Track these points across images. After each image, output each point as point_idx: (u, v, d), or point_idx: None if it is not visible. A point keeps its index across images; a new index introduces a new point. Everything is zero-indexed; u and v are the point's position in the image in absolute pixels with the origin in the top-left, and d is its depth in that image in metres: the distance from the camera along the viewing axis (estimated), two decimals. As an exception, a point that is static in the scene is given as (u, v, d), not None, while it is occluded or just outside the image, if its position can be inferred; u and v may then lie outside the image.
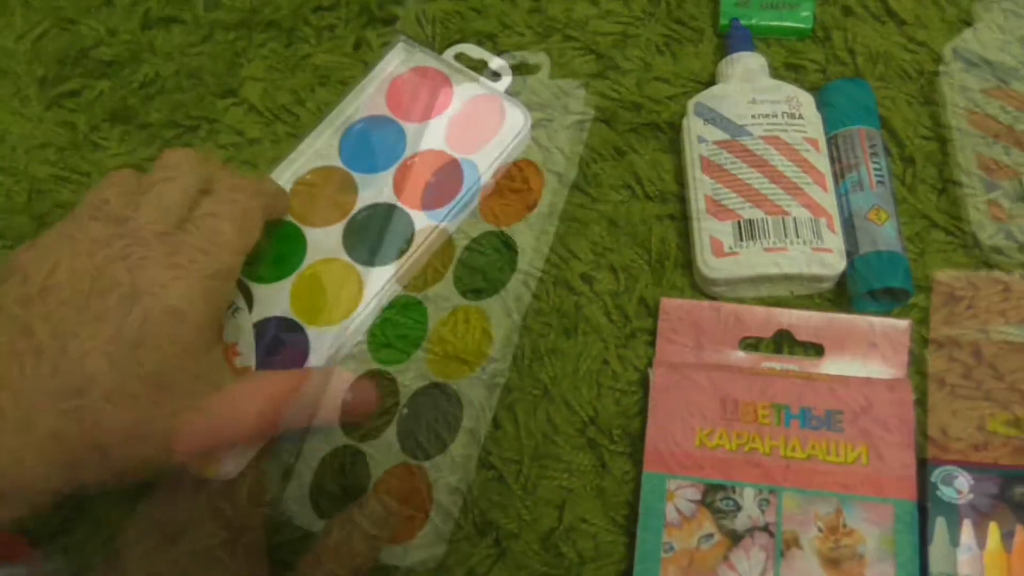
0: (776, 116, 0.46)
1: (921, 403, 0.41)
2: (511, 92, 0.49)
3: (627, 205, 0.48)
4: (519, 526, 0.41)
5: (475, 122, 0.48)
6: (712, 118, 0.46)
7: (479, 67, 0.51)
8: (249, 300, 0.44)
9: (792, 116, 0.46)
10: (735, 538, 0.39)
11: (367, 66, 0.53)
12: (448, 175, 0.47)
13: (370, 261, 0.45)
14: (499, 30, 0.53)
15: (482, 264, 0.45)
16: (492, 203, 0.46)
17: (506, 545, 0.41)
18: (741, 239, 0.43)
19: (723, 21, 0.51)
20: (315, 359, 0.43)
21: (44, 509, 0.34)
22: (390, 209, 0.46)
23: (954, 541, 0.37)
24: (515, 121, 0.47)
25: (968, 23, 0.48)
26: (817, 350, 0.43)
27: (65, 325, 0.34)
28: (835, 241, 0.43)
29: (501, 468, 0.42)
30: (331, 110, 0.50)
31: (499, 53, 0.51)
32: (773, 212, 0.43)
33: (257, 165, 0.51)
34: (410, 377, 0.44)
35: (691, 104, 0.47)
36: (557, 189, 0.45)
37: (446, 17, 0.54)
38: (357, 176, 0.48)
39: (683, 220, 0.46)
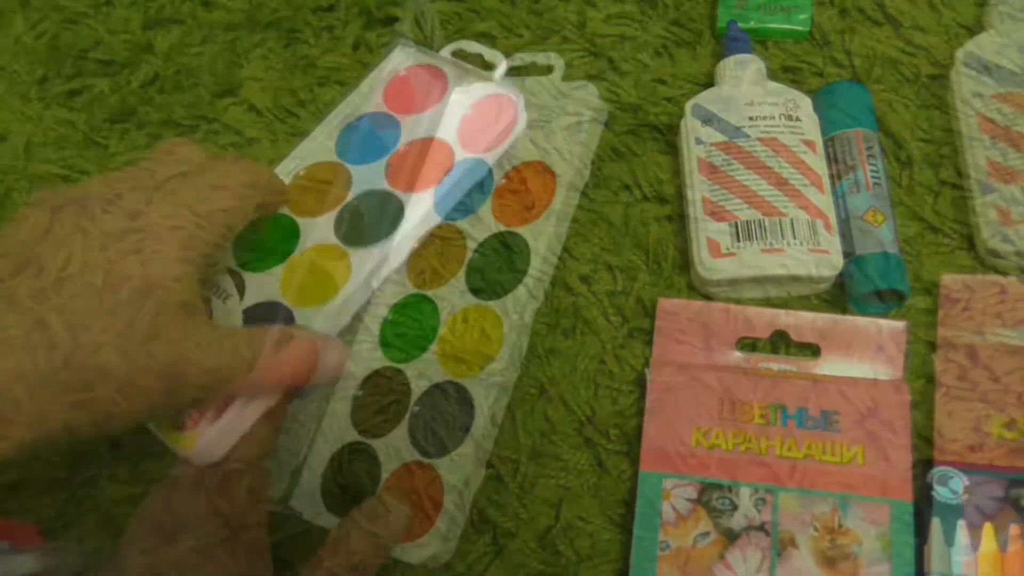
0: (774, 118, 0.46)
1: (917, 404, 0.41)
2: (520, 92, 0.49)
3: (625, 206, 0.48)
4: (516, 524, 0.41)
5: (472, 113, 0.48)
6: (710, 120, 0.46)
7: (479, 65, 0.51)
8: (241, 288, 0.44)
9: (790, 118, 0.46)
10: (731, 537, 0.39)
11: (366, 67, 0.53)
12: (439, 158, 0.47)
13: (359, 243, 0.45)
14: (498, 31, 0.53)
15: (493, 265, 0.45)
16: (504, 205, 0.46)
17: (503, 543, 0.41)
18: (739, 240, 0.43)
19: (721, 23, 0.51)
20: None
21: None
22: (381, 194, 0.46)
23: (950, 541, 0.38)
24: (509, 111, 0.48)
25: (965, 27, 0.48)
26: (814, 350, 0.43)
27: (78, 318, 0.34)
28: (832, 242, 0.43)
29: (499, 467, 0.43)
30: (331, 111, 0.50)
31: (509, 55, 0.51)
32: (770, 213, 0.43)
33: (256, 165, 0.51)
34: (421, 376, 0.44)
35: (689, 106, 0.47)
36: (569, 190, 0.45)
37: (445, 19, 0.54)
38: (352, 168, 0.48)
39: (681, 221, 0.47)
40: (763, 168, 0.44)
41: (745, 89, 0.47)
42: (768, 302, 0.44)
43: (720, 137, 0.46)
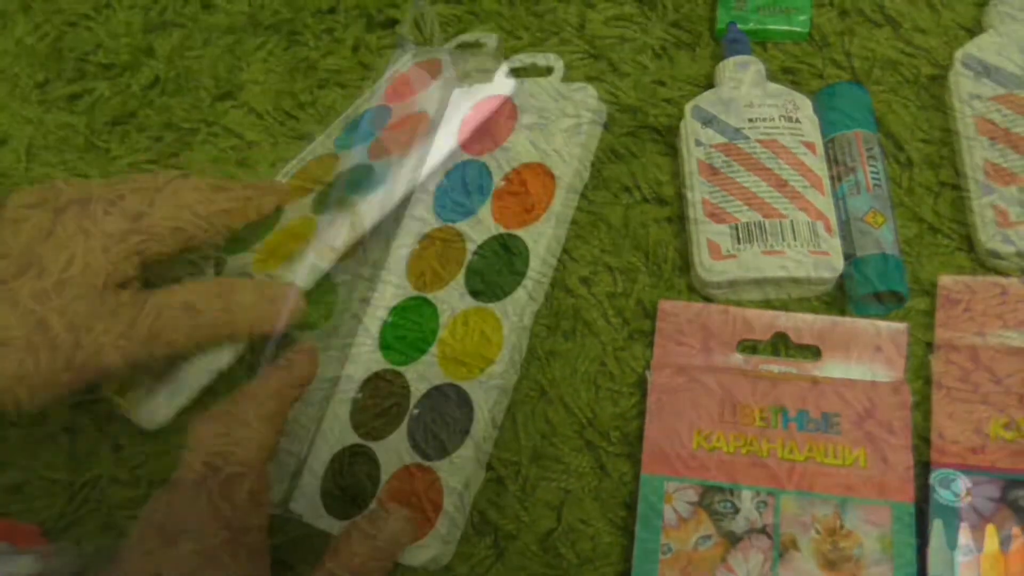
0: (773, 120, 0.46)
1: (918, 406, 0.41)
2: (519, 94, 0.49)
3: (625, 208, 0.48)
4: (517, 527, 0.41)
5: (471, 115, 0.49)
6: (710, 122, 0.46)
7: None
8: (220, 267, 0.45)
9: (789, 120, 0.46)
10: (733, 540, 0.39)
11: (367, 68, 0.53)
12: (417, 127, 0.47)
13: (326, 209, 0.46)
14: (498, 33, 0.53)
15: (493, 267, 0.45)
16: (503, 206, 0.46)
17: (504, 546, 0.41)
18: (739, 242, 0.43)
19: (720, 25, 0.51)
20: None
21: None
22: (360, 168, 0.47)
23: (952, 544, 0.37)
24: (508, 113, 0.48)
25: (965, 27, 0.48)
26: (814, 352, 0.43)
27: (80, 319, 0.34)
28: (832, 244, 0.43)
29: (500, 469, 0.43)
30: (338, 116, 0.51)
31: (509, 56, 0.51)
32: (771, 215, 0.43)
33: (256, 167, 0.51)
34: (421, 378, 0.44)
35: (689, 108, 0.47)
36: (568, 192, 0.45)
37: (445, 21, 0.54)
38: (342, 154, 0.49)
39: (681, 223, 0.47)
40: (763, 170, 0.44)
41: (745, 91, 0.47)
42: (768, 304, 0.44)
43: (720, 139, 0.46)
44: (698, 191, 0.45)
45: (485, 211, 0.47)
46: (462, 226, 0.47)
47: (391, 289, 0.47)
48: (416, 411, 0.43)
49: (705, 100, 0.47)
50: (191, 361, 0.40)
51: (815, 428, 0.41)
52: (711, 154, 0.45)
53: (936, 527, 0.38)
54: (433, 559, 0.40)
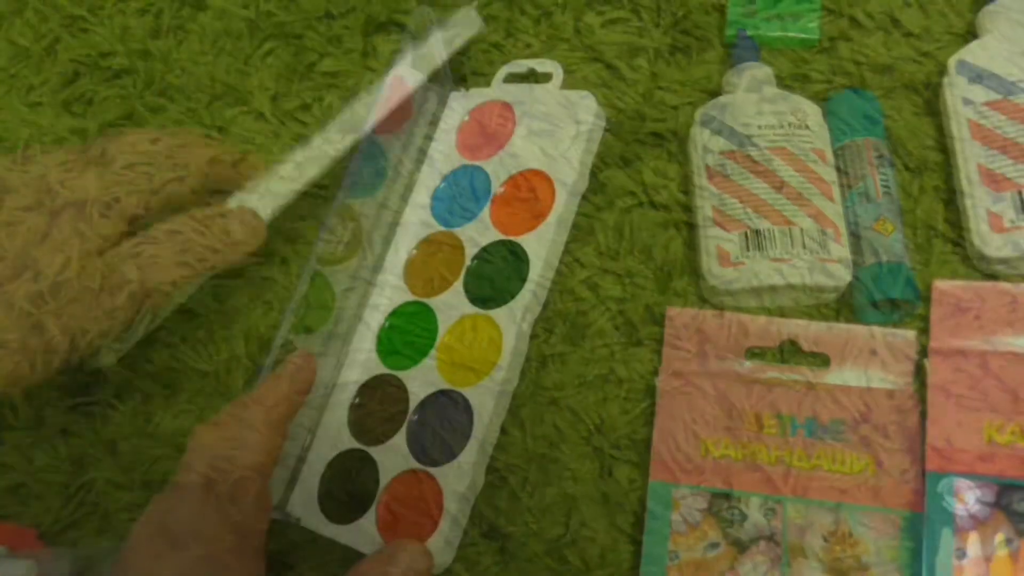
0: (782, 127, 0.46)
1: (926, 413, 0.41)
2: (518, 99, 0.49)
3: (633, 213, 0.48)
4: (525, 533, 0.41)
5: (470, 120, 0.50)
6: (718, 128, 0.46)
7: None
8: None
9: (798, 127, 0.46)
10: (741, 547, 0.39)
11: (374, 73, 0.53)
12: (404, 104, 0.48)
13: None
14: (506, 39, 0.53)
15: (491, 273, 0.45)
16: (502, 212, 0.46)
17: (512, 552, 0.41)
18: (747, 249, 0.43)
19: (729, 31, 0.51)
20: None
21: None
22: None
23: (960, 552, 0.37)
24: (507, 118, 0.49)
25: (973, 35, 0.48)
26: (823, 360, 0.43)
27: (76, 322, 0.34)
28: (841, 252, 0.43)
29: (507, 475, 0.42)
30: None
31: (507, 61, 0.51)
32: (780, 223, 0.43)
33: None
34: (420, 383, 0.44)
35: (697, 114, 0.47)
36: (568, 200, 0.45)
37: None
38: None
39: (689, 229, 0.47)
40: (772, 177, 0.44)
41: (754, 98, 0.47)
42: (777, 311, 0.44)
43: (728, 146, 0.46)
44: (706, 198, 0.45)
45: (484, 216, 0.47)
46: (461, 231, 0.47)
47: (389, 293, 0.47)
48: (415, 416, 0.43)
49: (714, 107, 0.47)
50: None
51: (823, 435, 0.41)
52: (720, 161, 0.45)
53: (943, 535, 0.38)
54: (435, 564, 0.40)
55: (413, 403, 0.43)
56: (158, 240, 0.37)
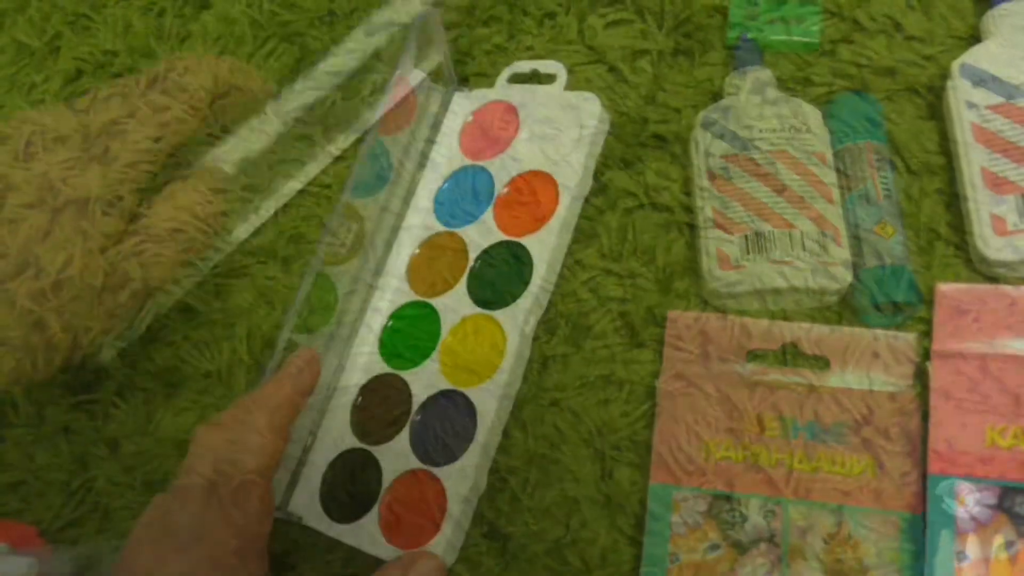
0: (784, 130, 0.46)
1: (927, 415, 0.41)
2: (522, 101, 0.49)
3: (635, 215, 0.48)
4: (526, 534, 0.41)
5: (472, 121, 0.50)
6: (720, 131, 0.46)
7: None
8: None
9: (799, 130, 0.46)
10: (741, 549, 0.39)
11: (377, 73, 0.53)
12: (407, 105, 0.48)
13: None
14: (509, 41, 0.53)
15: (494, 274, 0.45)
16: (505, 214, 0.46)
17: (512, 553, 0.41)
18: (748, 252, 0.43)
19: (731, 35, 0.51)
20: None
21: None
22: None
23: (960, 553, 0.37)
24: (510, 119, 0.48)
25: (976, 38, 0.48)
26: (823, 362, 0.43)
27: (78, 320, 0.34)
28: (842, 254, 0.43)
29: (508, 477, 0.43)
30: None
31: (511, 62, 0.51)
32: (780, 225, 0.44)
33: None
34: (423, 384, 0.44)
35: (699, 117, 0.47)
36: (571, 202, 0.45)
37: (448, 25, 0.54)
38: None
39: (690, 231, 0.47)
40: (773, 180, 0.44)
41: (755, 101, 0.47)
42: (778, 314, 0.44)
43: (730, 149, 0.46)
44: (708, 200, 0.45)
45: (487, 217, 0.47)
46: (463, 232, 0.47)
47: (392, 294, 0.47)
48: (419, 416, 0.43)
49: (715, 110, 0.47)
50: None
51: (824, 438, 0.41)
52: (721, 164, 0.45)
53: (942, 537, 0.38)
54: None
55: (416, 403, 0.43)
56: (161, 238, 0.37)
